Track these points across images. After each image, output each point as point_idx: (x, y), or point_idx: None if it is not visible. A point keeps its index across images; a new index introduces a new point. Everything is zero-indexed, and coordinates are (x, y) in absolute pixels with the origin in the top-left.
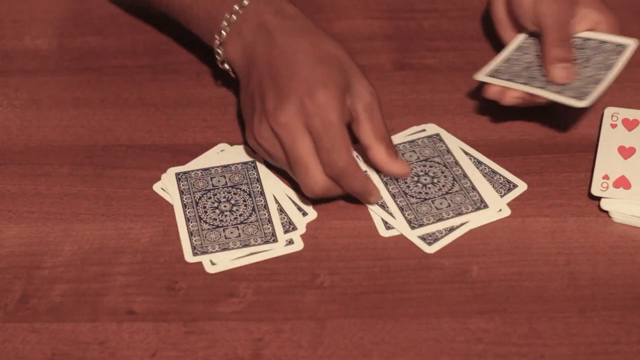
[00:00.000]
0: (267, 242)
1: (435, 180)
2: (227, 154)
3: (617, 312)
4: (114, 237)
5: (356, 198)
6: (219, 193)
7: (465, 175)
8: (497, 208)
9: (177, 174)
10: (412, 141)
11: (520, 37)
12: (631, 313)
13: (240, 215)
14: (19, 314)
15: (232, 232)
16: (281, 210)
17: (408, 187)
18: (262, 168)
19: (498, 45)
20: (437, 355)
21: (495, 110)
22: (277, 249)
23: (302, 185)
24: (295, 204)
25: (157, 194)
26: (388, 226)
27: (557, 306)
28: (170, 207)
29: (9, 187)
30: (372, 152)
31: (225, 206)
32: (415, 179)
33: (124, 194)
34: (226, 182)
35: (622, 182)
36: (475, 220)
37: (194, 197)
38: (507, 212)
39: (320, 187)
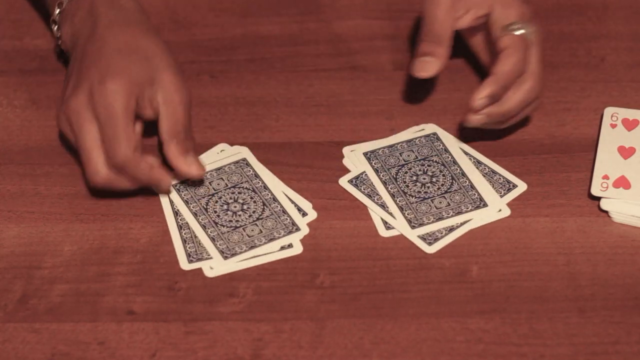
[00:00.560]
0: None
1: (434, 179)
2: (215, 157)
3: (617, 312)
4: (114, 237)
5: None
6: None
7: (463, 174)
8: (496, 207)
9: (174, 185)
10: (410, 140)
11: None
12: (631, 313)
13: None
14: (19, 314)
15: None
16: (283, 212)
17: (407, 186)
18: (255, 164)
19: None
20: (437, 355)
21: None
22: (276, 253)
23: (84, 173)
24: (295, 205)
25: (157, 194)
26: (388, 226)
27: (557, 306)
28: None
29: (9, 187)
30: (164, 147)
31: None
32: (414, 178)
33: (123, 194)
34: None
35: (622, 182)
36: (476, 219)
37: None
38: (507, 212)
39: (102, 178)
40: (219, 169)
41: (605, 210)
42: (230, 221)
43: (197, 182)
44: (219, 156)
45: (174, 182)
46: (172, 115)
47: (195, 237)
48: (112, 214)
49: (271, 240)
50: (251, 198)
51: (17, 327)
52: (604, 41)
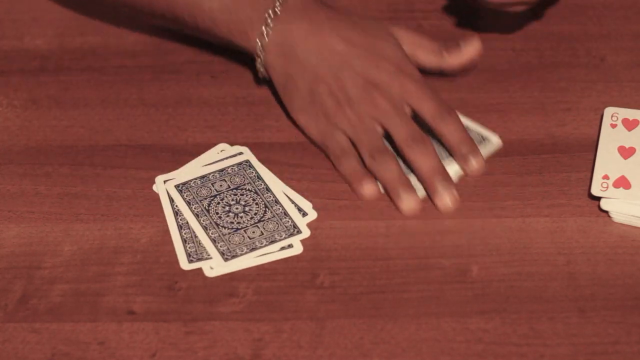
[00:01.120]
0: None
1: (247, 209)
2: (217, 158)
3: (617, 312)
4: (114, 237)
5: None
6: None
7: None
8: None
9: (176, 186)
10: (222, 170)
11: None
12: (631, 313)
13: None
14: (19, 314)
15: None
16: (285, 214)
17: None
18: (258, 166)
19: (498, 45)
20: (437, 355)
21: (495, 111)
22: (276, 253)
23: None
24: (295, 205)
25: (157, 194)
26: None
27: (557, 306)
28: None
29: (9, 187)
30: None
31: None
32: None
33: (124, 194)
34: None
35: (622, 182)
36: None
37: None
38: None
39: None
40: (221, 170)
41: (605, 210)
42: (232, 223)
43: (199, 184)
44: (221, 156)
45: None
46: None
47: (196, 237)
48: (112, 214)
49: (272, 242)
50: (253, 200)
51: (17, 327)
52: (604, 41)
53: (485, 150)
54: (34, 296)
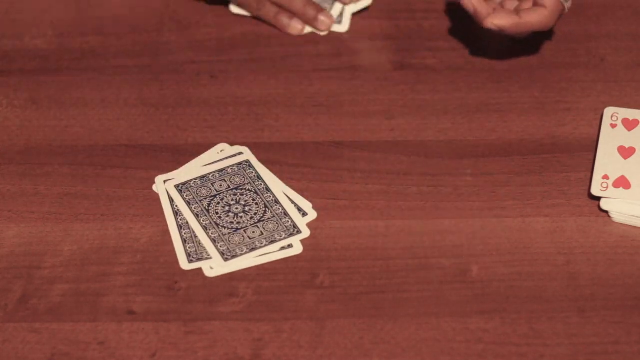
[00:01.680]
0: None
1: (247, 209)
2: (217, 158)
3: (617, 312)
4: (114, 237)
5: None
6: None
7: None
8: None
9: (176, 186)
10: (222, 170)
11: None
12: (631, 313)
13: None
14: (19, 314)
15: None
16: (285, 214)
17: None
18: (258, 166)
19: (498, 45)
20: (437, 355)
21: (495, 111)
22: (276, 253)
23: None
24: (295, 205)
25: (157, 194)
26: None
27: (557, 306)
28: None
29: (9, 187)
30: None
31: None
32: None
33: (124, 194)
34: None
35: (622, 182)
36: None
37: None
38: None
39: None
40: (221, 170)
41: (605, 210)
42: (232, 223)
43: (199, 184)
44: (221, 156)
45: (177, 181)
46: None
47: (196, 237)
48: (112, 214)
49: (272, 242)
50: (253, 200)
51: (17, 327)
52: (604, 41)
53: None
54: (34, 296)
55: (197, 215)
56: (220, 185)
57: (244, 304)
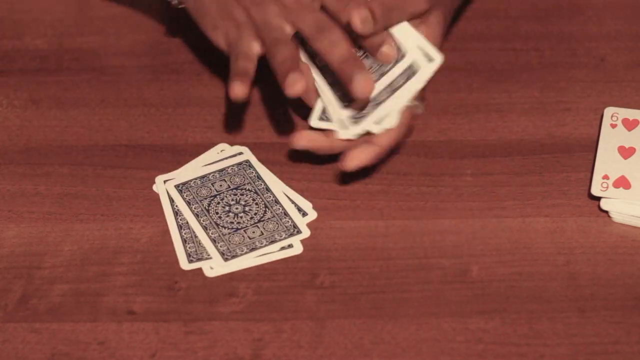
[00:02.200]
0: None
1: (247, 209)
2: (217, 158)
3: (617, 312)
4: (114, 237)
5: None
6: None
7: (277, 202)
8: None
9: (176, 186)
10: (222, 170)
11: None
12: (631, 313)
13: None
14: (19, 314)
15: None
16: (285, 214)
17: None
18: (258, 166)
19: (498, 45)
20: (437, 355)
21: (495, 111)
22: (276, 253)
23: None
24: (295, 205)
25: (157, 194)
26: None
27: (557, 306)
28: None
29: (9, 187)
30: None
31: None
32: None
33: (124, 194)
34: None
35: (622, 182)
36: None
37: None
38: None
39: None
40: (221, 170)
41: (605, 210)
42: (232, 223)
43: (199, 184)
44: (221, 156)
45: (177, 181)
46: None
47: (196, 237)
48: (112, 214)
49: (272, 242)
50: (253, 200)
51: (17, 327)
52: (604, 41)
53: (427, 71)
54: (34, 296)
55: (197, 215)
56: (220, 185)
57: (244, 304)
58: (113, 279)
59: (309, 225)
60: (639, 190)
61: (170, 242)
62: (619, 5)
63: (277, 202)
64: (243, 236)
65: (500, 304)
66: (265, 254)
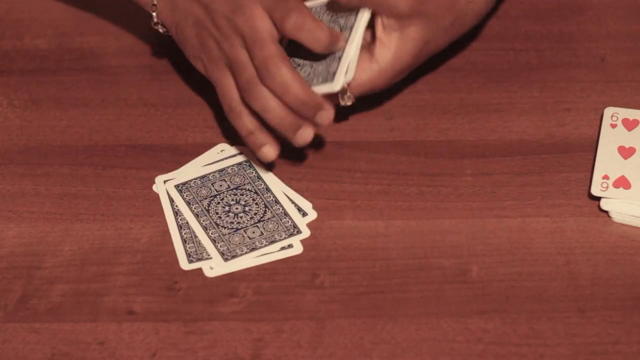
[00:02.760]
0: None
1: (246, 209)
2: (217, 158)
3: (617, 312)
4: (114, 237)
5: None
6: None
7: (277, 202)
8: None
9: (176, 186)
10: (222, 170)
11: None
12: (631, 313)
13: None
14: (19, 314)
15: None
16: (285, 214)
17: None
18: (258, 166)
19: (498, 45)
20: (437, 355)
21: (495, 111)
22: (276, 253)
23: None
24: (295, 205)
25: (157, 194)
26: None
27: (557, 306)
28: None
29: (9, 187)
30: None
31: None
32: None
33: (124, 194)
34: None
35: (622, 182)
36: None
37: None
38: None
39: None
40: (221, 170)
41: (605, 210)
42: (232, 223)
43: (199, 184)
44: (221, 156)
45: (177, 181)
46: None
47: (196, 237)
48: (112, 214)
49: (272, 242)
50: (253, 200)
51: (17, 327)
52: (604, 41)
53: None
54: (34, 296)
55: (197, 215)
56: (220, 185)
57: (244, 304)
58: (113, 279)
59: (309, 225)
60: (639, 190)
61: (170, 242)
62: (619, 5)
63: (277, 202)
64: (243, 236)
65: (500, 304)
66: (265, 254)
